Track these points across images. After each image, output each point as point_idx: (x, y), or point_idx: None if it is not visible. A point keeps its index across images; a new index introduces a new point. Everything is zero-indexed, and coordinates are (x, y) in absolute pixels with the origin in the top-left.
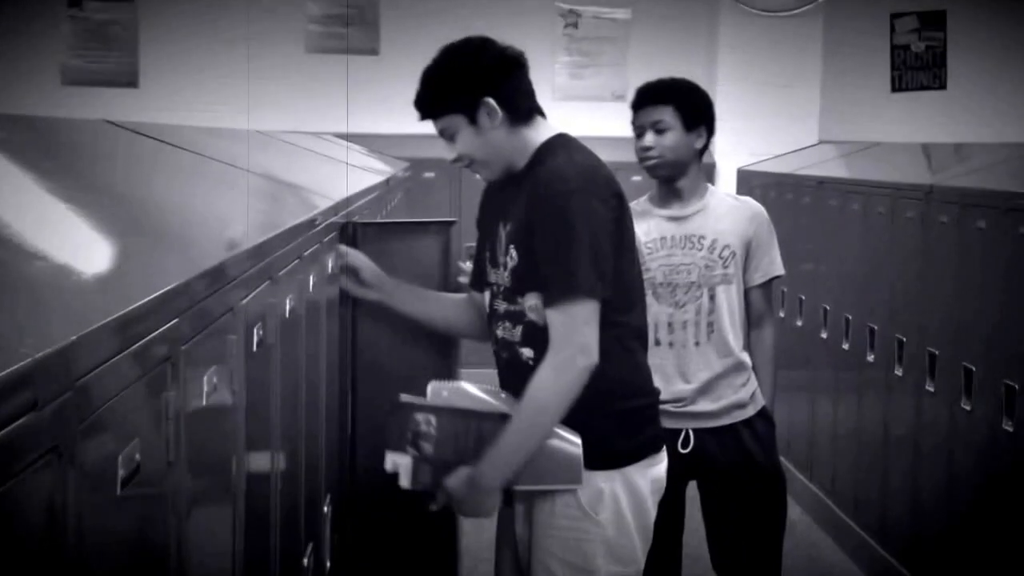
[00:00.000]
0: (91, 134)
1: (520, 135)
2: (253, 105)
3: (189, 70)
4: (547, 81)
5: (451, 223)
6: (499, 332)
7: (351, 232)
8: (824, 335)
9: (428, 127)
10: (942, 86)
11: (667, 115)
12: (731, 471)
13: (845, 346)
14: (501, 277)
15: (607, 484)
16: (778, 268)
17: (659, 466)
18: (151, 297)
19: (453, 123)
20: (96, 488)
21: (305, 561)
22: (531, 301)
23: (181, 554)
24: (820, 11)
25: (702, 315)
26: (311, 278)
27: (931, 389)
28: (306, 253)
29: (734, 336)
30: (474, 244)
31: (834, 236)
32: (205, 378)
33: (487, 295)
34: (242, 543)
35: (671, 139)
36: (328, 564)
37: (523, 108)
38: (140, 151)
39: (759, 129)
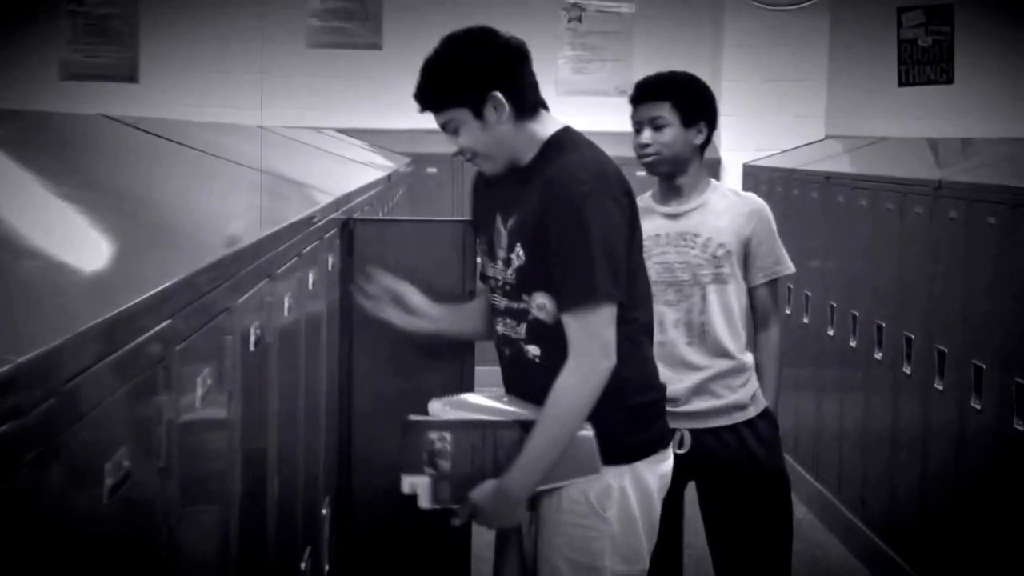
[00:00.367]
0: (88, 129)
1: (525, 129)
2: (254, 100)
3: (190, 65)
4: (550, 76)
5: (466, 222)
6: (500, 328)
7: (351, 229)
8: (831, 332)
9: (431, 122)
10: (949, 80)
11: (664, 111)
12: (733, 472)
13: (852, 343)
14: (502, 273)
15: (615, 480)
16: (785, 266)
17: (667, 462)
18: (143, 297)
19: (457, 117)
20: (82, 497)
21: (303, 565)
22: (539, 300)
23: (173, 562)
24: (826, 6)
25: (694, 315)
26: (311, 276)
27: (940, 387)
28: (305, 251)
29: (730, 337)
30: None
31: (841, 232)
32: (199, 379)
33: (489, 289)
34: (237, 548)
35: (669, 135)
36: (327, 567)
37: (529, 101)
38: (137, 146)
39: (765, 124)
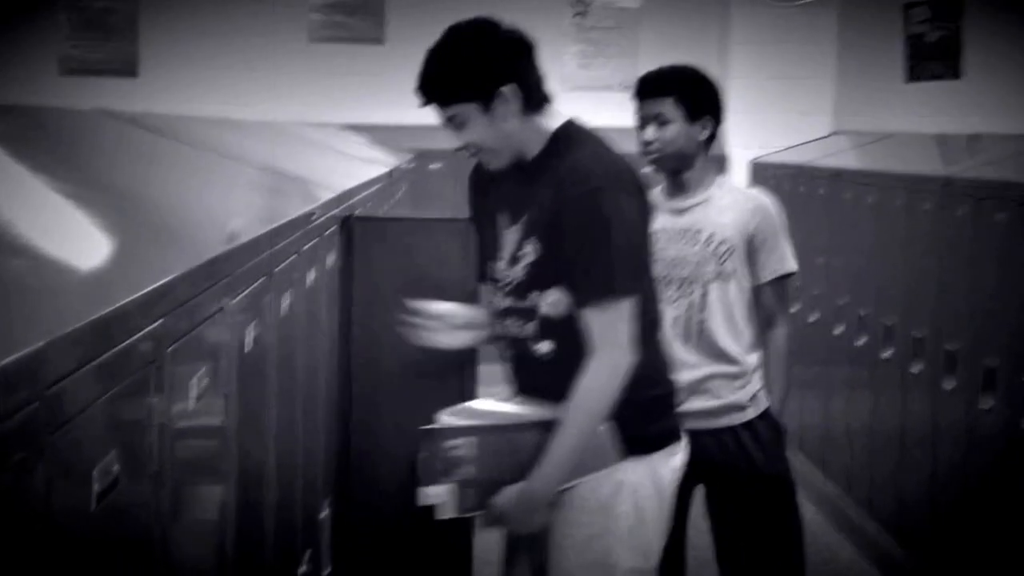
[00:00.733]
0: (84, 124)
1: (532, 123)
2: (255, 95)
3: (190, 60)
4: (555, 70)
5: (461, 220)
6: (502, 329)
7: (350, 227)
8: (838, 331)
9: (434, 117)
10: (957, 76)
11: (668, 107)
12: (730, 474)
13: (860, 343)
14: (507, 272)
15: (627, 474)
16: (788, 264)
17: (678, 456)
18: (133, 297)
19: (465, 111)
20: (68, 504)
21: (302, 568)
22: (552, 296)
23: (165, 569)
24: (833, 1)
25: (693, 312)
26: (310, 275)
27: (948, 387)
28: (304, 248)
29: (730, 336)
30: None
31: (848, 229)
32: (193, 381)
33: (490, 290)
34: (233, 553)
35: (672, 132)
36: (328, 570)
37: (537, 95)
38: (133, 142)
39: (772, 120)
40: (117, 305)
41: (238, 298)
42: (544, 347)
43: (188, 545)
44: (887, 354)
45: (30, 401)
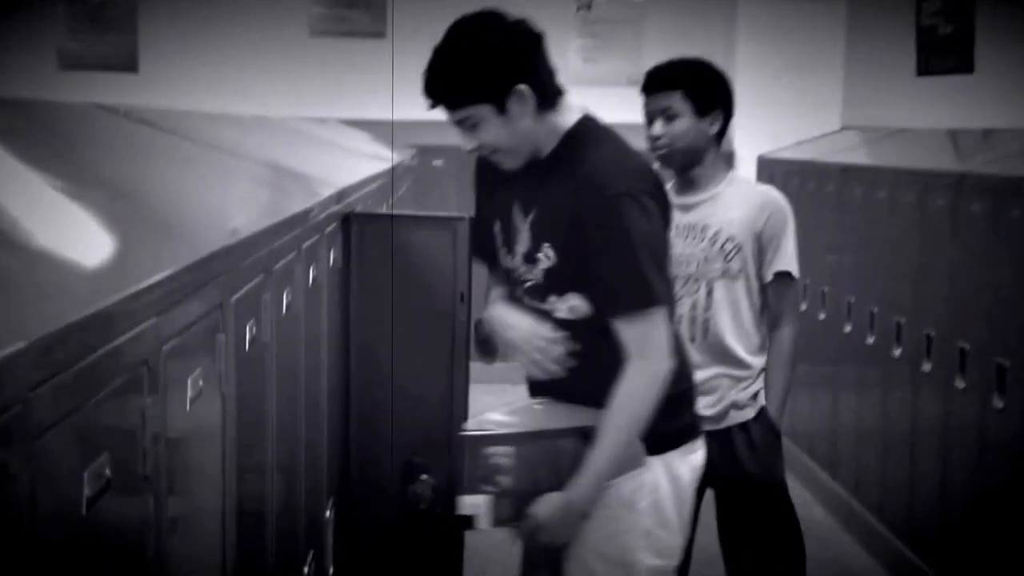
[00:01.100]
0: (79, 118)
1: (547, 120)
2: (255, 90)
3: (190, 55)
4: (559, 65)
5: (461, 219)
6: None
7: (350, 224)
8: (848, 329)
9: (436, 113)
10: (969, 70)
11: (676, 101)
12: (722, 478)
13: (870, 340)
14: (525, 271)
15: (647, 472)
16: (787, 264)
17: (698, 452)
18: (124, 294)
19: (478, 113)
20: (57, 510)
21: (305, 569)
22: (572, 301)
23: (162, 574)
24: None
25: (698, 311)
26: (311, 271)
27: (961, 386)
28: (305, 245)
29: (736, 336)
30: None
31: (859, 226)
32: (190, 381)
33: (505, 279)
34: (233, 556)
35: (681, 127)
36: (331, 570)
37: (551, 91)
38: (129, 136)
39: (780, 115)
40: (107, 303)
41: (237, 295)
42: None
43: (186, 550)
44: (897, 352)
45: (12, 404)
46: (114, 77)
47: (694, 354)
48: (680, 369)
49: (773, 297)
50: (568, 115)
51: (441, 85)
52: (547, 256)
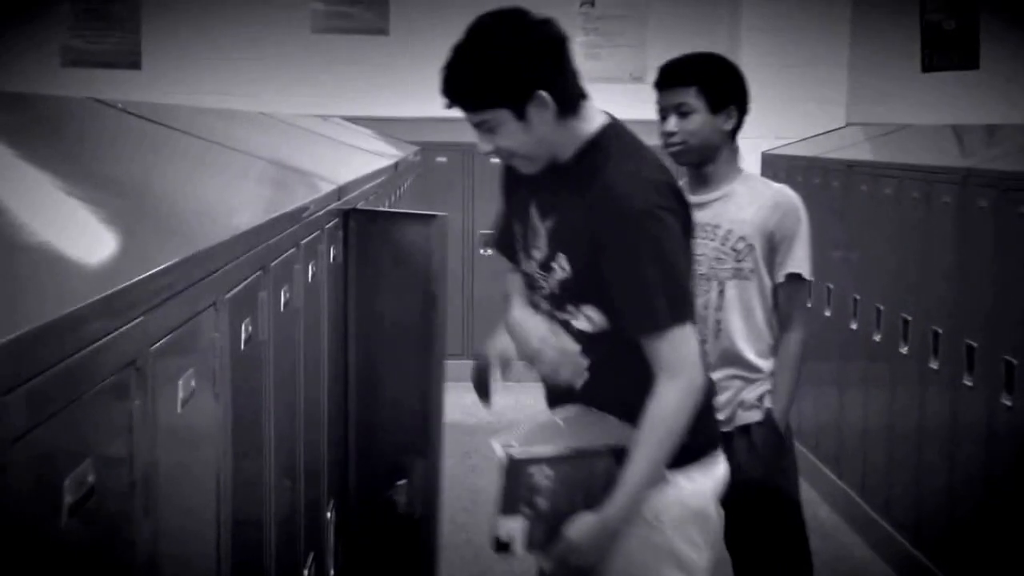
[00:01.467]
0: (76, 112)
1: (567, 125)
2: (258, 87)
3: (193, 51)
4: None
5: (434, 217)
6: None
7: (350, 221)
8: (854, 326)
9: (440, 110)
10: (974, 66)
11: (690, 97)
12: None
13: (877, 338)
14: (542, 277)
15: (669, 488)
16: (798, 266)
17: (720, 465)
18: (110, 291)
19: (496, 117)
20: (34, 520)
21: (305, 572)
22: (588, 312)
23: None
24: None
25: (709, 311)
26: (310, 268)
27: (969, 383)
28: (304, 242)
29: (748, 338)
30: (491, 232)
31: (865, 222)
32: (181, 381)
33: (525, 282)
34: (228, 561)
35: (695, 123)
36: (332, 572)
37: (573, 96)
38: (127, 131)
39: (784, 111)
40: (89, 301)
41: (231, 293)
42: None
43: (178, 558)
44: (904, 350)
45: None
46: (117, 74)
47: (708, 355)
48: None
49: (783, 299)
50: (591, 121)
51: (459, 87)
52: (561, 267)
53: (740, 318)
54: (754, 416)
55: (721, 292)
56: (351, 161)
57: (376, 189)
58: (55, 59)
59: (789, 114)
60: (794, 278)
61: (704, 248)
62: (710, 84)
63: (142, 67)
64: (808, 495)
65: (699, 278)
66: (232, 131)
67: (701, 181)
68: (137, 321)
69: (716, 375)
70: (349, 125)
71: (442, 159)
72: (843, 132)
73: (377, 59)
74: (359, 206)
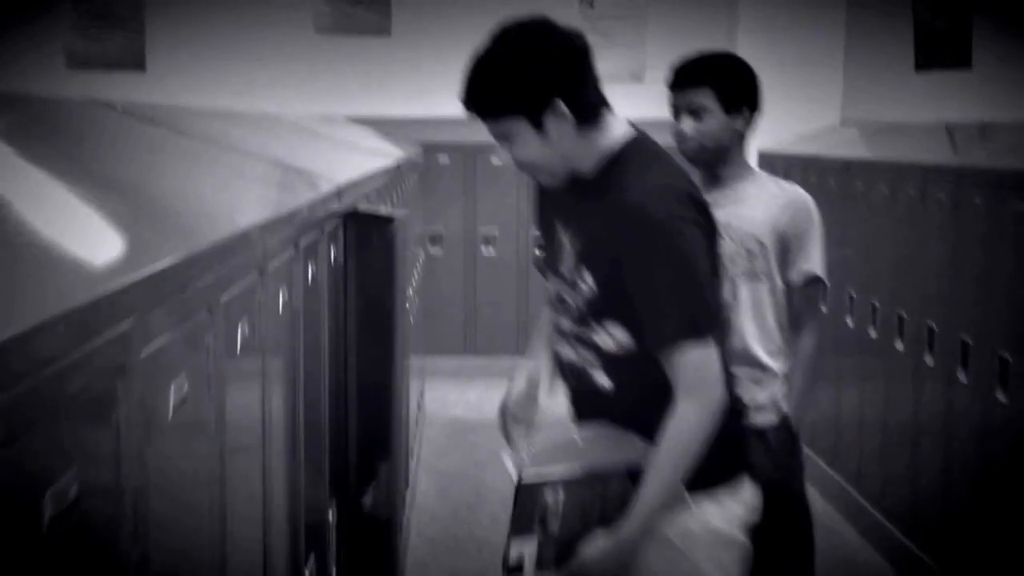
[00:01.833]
0: (77, 113)
1: (588, 137)
2: (262, 87)
3: (197, 52)
4: None
5: (390, 220)
6: (567, 354)
7: (350, 222)
8: (850, 323)
9: (442, 110)
10: (967, 64)
11: (705, 98)
12: None
13: (872, 334)
14: (570, 294)
15: (696, 512)
16: (812, 267)
17: (749, 489)
18: (96, 297)
19: (513, 127)
20: (12, 534)
21: (307, 573)
22: (612, 330)
23: None
24: None
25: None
26: (310, 269)
27: (964, 379)
28: (303, 243)
29: (760, 339)
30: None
31: (860, 220)
32: (173, 386)
33: (553, 303)
34: (227, 570)
35: (710, 124)
36: (334, 573)
37: (592, 107)
38: (128, 132)
39: (779, 110)
40: (74, 305)
41: (226, 294)
42: (605, 382)
43: (171, 568)
44: (900, 346)
45: None
46: (122, 75)
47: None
48: (729, 401)
49: (797, 300)
50: (613, 133)
51: (475, 94)
52: (586, 283)
53: (751, 318)
54: (769, 418)
55: (733, 293)
56: (352, 161)
57: (378, 189)
58: (60, 61)
59: (784, 113)
60: (808, 278)
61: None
62: (724, 85)
63: (147, 68)
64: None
65: None
66: (232, 131)
67: (713, 181)
68: (125, 325)
69: None
70: (352, 125)
71: (444, 159)
72: (838, 131)
73: (380, 59)
74: (360, 207)
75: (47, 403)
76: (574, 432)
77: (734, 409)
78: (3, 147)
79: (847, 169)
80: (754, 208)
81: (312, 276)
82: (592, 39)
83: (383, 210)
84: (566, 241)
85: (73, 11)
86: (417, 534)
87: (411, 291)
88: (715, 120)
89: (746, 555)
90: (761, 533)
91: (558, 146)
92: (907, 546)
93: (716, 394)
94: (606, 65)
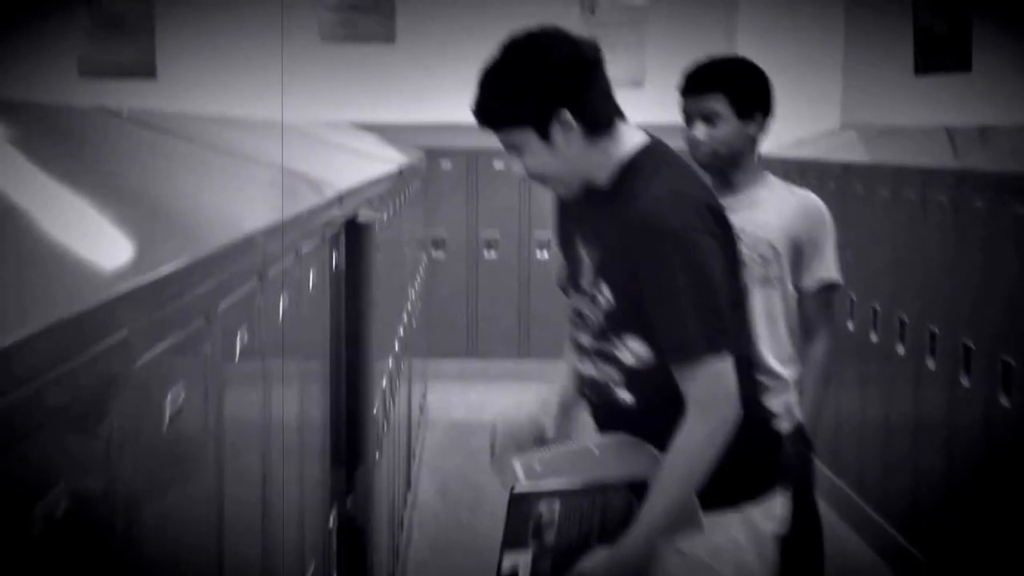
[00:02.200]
0: (82, 120)
1: (599, 148)
2: (269, 94)
3: (205, 60)
4: None
5: (360, 226)
6: (588, 371)
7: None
8: (851, 326)
9: (445, 115)
10: (966, 68)
11: (718, 104)
12: None
13: (874, 338)
14: (590, 309)
15: (725, 531)
16: (830, 273)
17: (779, 502)
18: (83, 308)
19: (521, 137)
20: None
21: None
22: (631, 344)
23: None
24: None
25: None
26: (310, 276)
27: (966, 383)
28: (304, 249)
29: (772, 347)
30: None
31: (860, 223)
32: (169, 397)
33: (570, 322)
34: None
35: (723, 130)
36: None
37: (602, 116)
38: (129, 138)
39: (779, 114)
40: (61, 317)
41: (224, 303)
42: (627, 397)
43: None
44: (901, 349)
45: None
46: (134, 84)
47: None
48: (752, 412)
49: (812, 307)
50: (626, 141)
51: (482, 105)
52: (604, 296)
53: (764, 325)
54: (783, 427)
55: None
56: (355, 167)
57: (380, 194)
58: (73, 69)
59: (784, 117)
60: (824, 285)
61: None
62: (738, 90)
63: (157, 76)
64: None
65: None
66: (235, 138)
67: (726, 186)
68: (118, 336)
69: None
70: (356, 131)
71: (447, 164)
72: (838, 134)
73: (384, 66)
74: (361, 212)
75: (38, 414)
76: (593, 442)
77: (763, 419)
78: (6, 153)
79: (847, 173)
80: (767, 213)
81: (313, 283)
82: None
83: (362, 215)
84: (584, 254)
85: (87, 20)
86: (419, 535)
87: (413, 294)
88: (728, 126)
89: (775, 573)
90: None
91: (566, 156)
92: (909, 551)
93: (728, 409)
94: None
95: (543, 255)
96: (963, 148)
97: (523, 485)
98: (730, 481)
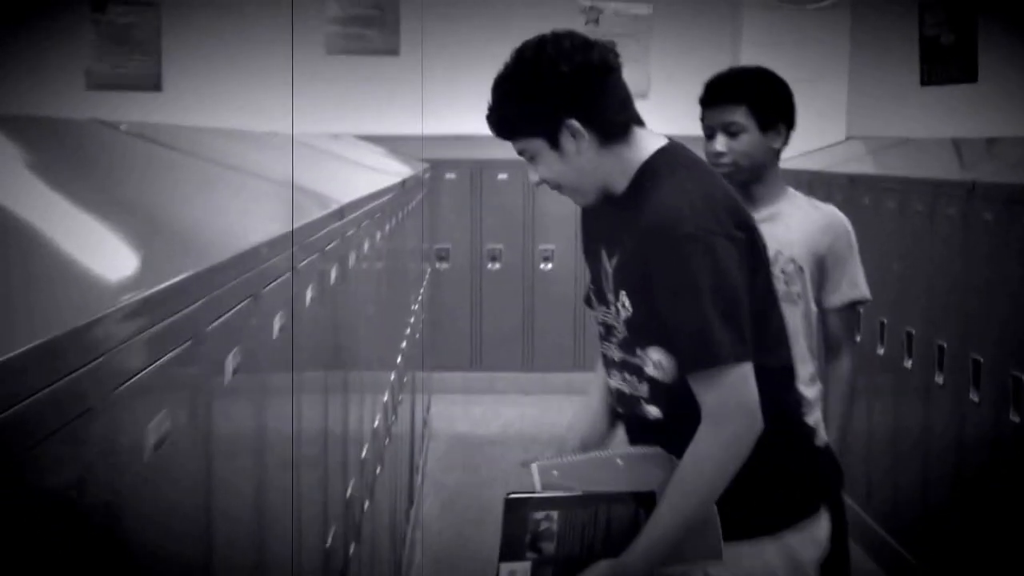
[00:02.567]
0: (78, 133)
1: (614, 154)
2: (275, 106)
3: (211, 73)
4: None
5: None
6: (616, 383)
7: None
8: (858, 340)
9: (449, 127)
10: (973, 79)
11: (740, 116)
12: None
13: (880, 351)
14: (614, 320)
15: (759, 559)
16: (860, 291)
17: (819, 526)
18: (56, 334)
19: (532, 146)
20: None
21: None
22: (655, 356)
23: None
24: (847, 2)
25: None
26: (308, 293)
27: (975, 399)
28: (301, 265)
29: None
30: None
31: (867, 236)
32: (151, 425)
33: (599, 334)
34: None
35: (745, 143)
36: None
37: (615, 123)
38: (126, 151)
39: None
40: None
41: (215, 323)
42: (654, 411)
43: None
44: (909, 363)
45: None
46: (141, 97)
47: None
48: (788, 431)
49: (835, 324)
50: (644, 147)
51: (493, 114)
52: (624, 306)
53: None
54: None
55: None
56: (357, 180)
57: (382, 207)
58: (80, 82)
59: None
60: (849, 302)
61: None
62: (760, 102)
63: (163, 89)
64: None
65: None
66: (236, 151)
67: (747, 200)
68: (94, 362)
69: None
70: (360, 143)
71: (451, 176)
72: (844, 146)
73: (388, 79)
74: (363, 225)
75: (14, 442)
76: (620, 453)
77: (805, 436)
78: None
79: (853, 184)
80: (789, 229)
81: (311, 299)
82: None
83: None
84: (606, 263)
85: (93, 34)
86: (422, 550)
87: (417, 306)
88: (750, 138)
89: None
90: None
91: (579, 164)
92: (918, 568)
93: (742, 420)
94: None
95: (547, 267)
96: (970, 159)
97: (517, 492)
98: (768, 507)
